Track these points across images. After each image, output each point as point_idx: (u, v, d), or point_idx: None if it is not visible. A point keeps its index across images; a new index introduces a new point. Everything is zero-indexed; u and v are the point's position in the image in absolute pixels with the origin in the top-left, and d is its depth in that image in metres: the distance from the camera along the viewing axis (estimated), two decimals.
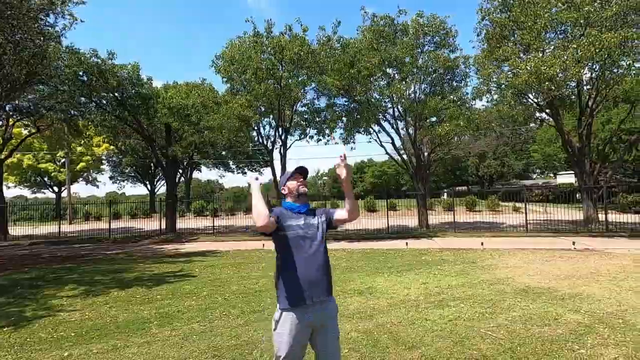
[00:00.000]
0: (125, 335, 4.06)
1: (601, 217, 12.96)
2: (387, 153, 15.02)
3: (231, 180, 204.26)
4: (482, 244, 10.06)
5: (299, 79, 12.96)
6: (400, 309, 4.74)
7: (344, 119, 12.95)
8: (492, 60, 13.29)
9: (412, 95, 14.64)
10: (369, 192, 43.27)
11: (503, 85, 12.22)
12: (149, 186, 40.29)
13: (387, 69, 13.31)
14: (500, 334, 3.80)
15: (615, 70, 10.99)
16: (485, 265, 7.46)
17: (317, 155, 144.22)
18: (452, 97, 14.36)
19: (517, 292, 5.34)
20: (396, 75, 13.96)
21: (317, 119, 13.36)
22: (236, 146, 22.62)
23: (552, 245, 9.87)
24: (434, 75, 15.07)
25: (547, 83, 10.86)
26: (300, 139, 15.59)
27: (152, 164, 37.75)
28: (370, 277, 6.62)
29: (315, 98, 14.09)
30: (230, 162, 35.92)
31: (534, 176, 58.31)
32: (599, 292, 5.25)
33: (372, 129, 14.17)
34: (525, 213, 13.42)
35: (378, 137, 14.71)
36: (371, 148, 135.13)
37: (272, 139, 15.14)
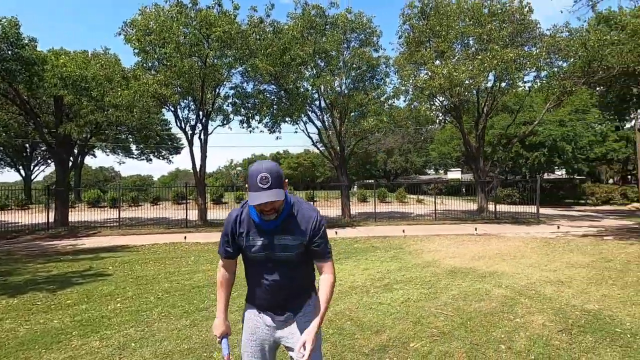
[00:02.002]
0: (36, 352, 3.24)
1: (490, 207, 15.32)
2: (313, 144, 15.13)
3: (131, 167, 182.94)
4: (403, 231, 10.92)
5: (226, 60, 12.08)
6: (352, 295, 4.80)
7: (275, 106, 12.58)
8: (411, 62, 14.43)
9: (338, 88, 15.00)
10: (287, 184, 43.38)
11: (420, 87, 13.32)
12: (22, 172, 33.38)
13: (318, 60, 13.36)
14: (449, 311, 4.12)
15: (509, 82, 13.01)
16: (412, 250, 8.09)
17: (242, 142, 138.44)
18: (374, 94, 15.17)
19: (447, 273, 5.90)
20: (325, 67, 14.11)
21: (248, 104, 12.68)
22: (148, 128, 20.13)
23: (459, 231, 11.26)
24: (357, 72, 15.69)
25: (457, 88, 12.24)
26: (222, 125, 14.65)
27: (26, 146, 31.31)
28: None
29: (243, 82, 13.38)
30: (133, 147, 31.95)
31: (430, 172, 65.98)
32: (509, 269, 6.14)
33: (300, 119, 14.11)
34: (435, 204, 15.04)
35: (305, 128, 14.76)
36: (288, 139, 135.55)
37: (193, 123, 13.90)
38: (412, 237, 10.03)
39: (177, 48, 10.84)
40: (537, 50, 12.83)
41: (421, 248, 8.33)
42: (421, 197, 28.48)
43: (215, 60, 12.11)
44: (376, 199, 26.85)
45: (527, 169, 26.45)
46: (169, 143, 32.76)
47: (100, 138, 24.12)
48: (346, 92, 15.22)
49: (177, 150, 34.01)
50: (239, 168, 73.01)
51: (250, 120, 13.17)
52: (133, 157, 34.00)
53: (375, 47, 15.43)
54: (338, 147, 15.23)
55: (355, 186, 41.61)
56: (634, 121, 27.07)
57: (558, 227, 11.75)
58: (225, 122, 14.56)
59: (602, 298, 4.54)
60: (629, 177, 38.41)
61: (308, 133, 15.45)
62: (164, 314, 4.18)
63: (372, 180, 47.20)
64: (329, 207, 18.68)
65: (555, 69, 14.61)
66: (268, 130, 14.32)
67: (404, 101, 17.86)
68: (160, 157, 33.76)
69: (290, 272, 1.66)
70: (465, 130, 16.10)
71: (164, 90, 11.76)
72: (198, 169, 14.05)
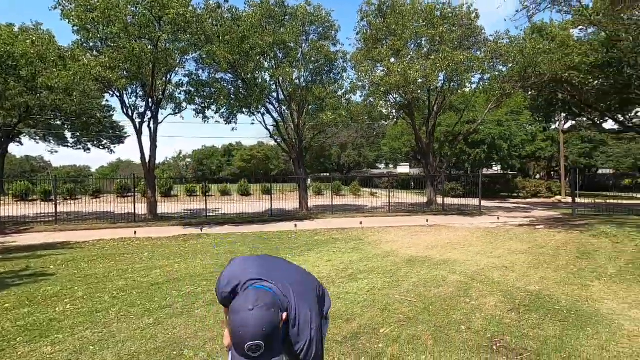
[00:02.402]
0: None
1: (439, 200, 16.33)
2: (271, 136, 14.92)
3: (65, 157, 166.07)
4: (361, 223, 11.26)
5: (180, 45, 11.40)
6: None
7: (232, 96, 12.14)
8: (369, 59, 14.76)
9: (297, 81, 14.92)
10: (239, 176, 42.32)
11: (377, 83, 13.70)
12: None
13: (277, 51, 13.15)
14: (412, 297, 4.36)
15: (458, 83, 13.89)
16: (370, 241, 8.39)
17: (191, 133, 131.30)
18: (332, 88, 15.32)
19: (406, 262, 6.21)
20: (283, 59, 13.93)
21: (203, 93, 12.07)
22: (88, 114, 18.35)
23: (412, 223, 11.87)
24: (316, 65, 15.72)
25: (412, 86, 12.78)
26: (174, 114, 13.85)
27: None
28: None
29: (198, 70, 12.72)
30: (69, 135, 29.03)
31: (381, 166, 68.42)
32: (460, 257, 6.62)
33: (258, 110, 13.82)
34: (389, 197, 15.66)
35: (263, 120, 14.50)
36: (241, 131, 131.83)
37: (142, 110, 12.97)
38: (370, 229, 10.38)
39: (125, 29, 10.00)
40: (483, 55, 13.82)
41: (379, 239, 8.66)
42: (374, 190, 29.51)
43: (168, 45, 11.39)
44: (327, 191, 27.48)
45: (470, 164, 28.56)
46: (111, 132, 30.28)
47: (29, 124, 21.58)
48: (304, 84, 15.20)
49: (119, 139, 31.58)
50: (189, 160, 69.77)
51: (206, 110, 12.62)
52: (68, 146, 30.89)
53: (333, 42, 15.54)
54: (295, 140, 15.20)
55: (310, 179, 41.94)
56: (558, 123, 30.41)
57: (498, 218, 12.89)
58: (177, 111, 13.80)
59: (541, 280, 5.09)
60: (552, 173, 43.16)
61: (266, 125, 15.23)
62: (122, 314, 3.92)
63: (327, 174, 47.96)
64: (284, 200, 18.65)
65: (497, 73, 15.86)
66: (224, 120, 13.85)
67: (360, 96, 18.29)
68: (101, 147, 31.11)
69: None
70: (417, 127, 16.88)
71: (108, 74, 10.81)
72: (147, 160, 13.20)
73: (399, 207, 16.30)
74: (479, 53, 14.47)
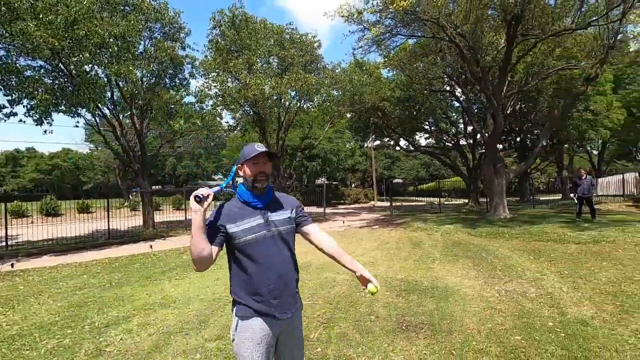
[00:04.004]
0: None
1: None
2: (106, 143, 12.35)
3: None
4: None
5: None
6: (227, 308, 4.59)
7: (58, 92, 9.38)
8: (223, 69, 14.52)
9: (140, 82, 13.14)
10: (38, 191, 32.73)
11: (233, 96, 13.63)
12: None
13: (118, 45, 11.17)
14: (319, 301, 4.71)
15: (308, 102, 15.39)
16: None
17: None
18: (181, 93, 14.24)
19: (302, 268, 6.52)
20: (124, 54, 12.01)
21: (11, 82, 8.82)
22: None
23: None
24: (160, 66, 14.28)
25: (268, 101, 13.37)
26: None
27: None
28: (152, 287, 5.66)
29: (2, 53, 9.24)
30: None
31: (217, 177, 66.66)
32: (356, 250, 7.43)
33: (92, 111, 11.26)
34: None
35: (96, 122, 11.88)
36: (32, 132, 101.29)
37: None
38: None
39: None
40: (327, 80, 15.86)
41: None
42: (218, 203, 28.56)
43: None
44: (166, 206, 24.91)
45: (307, 175, 31.65)
46: None
47: None
48: (147, 87, 13.53)
49: None
50: None
51: (14, 105, 9.38)
52: None
53: (182, 45, 14.52)
54: (137, 149, 13.24)
55: (139, 192, 36.70)
56: (370, 142, 37.66)
57: (343, 222, 14.91)
58: None
59: (401, 269, 6.37)
60: (366, 182, 52.82)
61: (99, 128, 12.58)
62: None
63: (160, 186, 43.00)
64: (113, 218, 15.32)
65: (333, 97, 18.45)
66: (35, 121, 10.66)
67: (209, 106, 17.64)
68: None
69: (290, 248, 1.82)
70: (267, 141, 17.61)
71: None
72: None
73: None
74: (322, 78, 16.49)
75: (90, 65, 10.41)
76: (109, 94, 12.82)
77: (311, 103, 15.98)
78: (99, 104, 11.51)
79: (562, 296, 4.51)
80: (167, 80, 14.82)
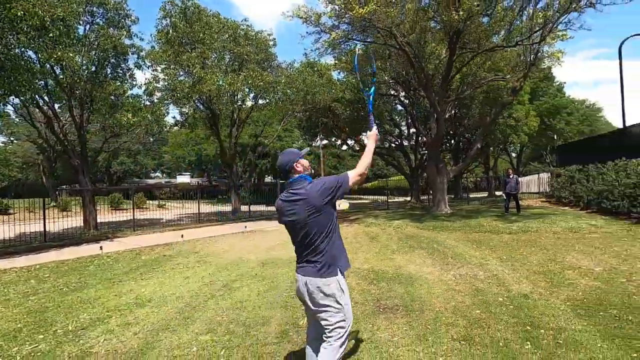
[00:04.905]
0: None
1: (243, 207, 17.26)
2: (39, 137, 11.02)
3: None
4: (182, 236, 10.48)
5: None
6: (208, 301, 4.62)
7: None
8: (174, 62, 13.91)
9: (80, 70, 12.08)
10: None
11: (186, 90, 13.13)
12: None
13: (57, 28, 10.12)
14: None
15: (266, 99, 15.32)
16: (210, 252, 8.17)
17: None
18: (128, 85, 13.36)
19: (263, 265, 6.66)
20: (63, 39, 10.94)
21: None
22: None
23: (233, 230, 12.13)
24: (101, 54, 13.24)
25: (225, 97, 13.13)
26: None
27: None
28: (119, 288, 5.42)
29: None
30: None
31: (154, 175, 62.60)
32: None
33: (27, 100, 10.03)
34: (198, 206, 15.06)
35: (28, 112, 10.59)
36: None
37: None
38: (197, 241, 9.92)
39: None
40: (284, 79, 15.96)
41: (217, 249, 8.55)
42: (162, 202, 27.05)
43: None
44: (103, 206, 23.01)
45: (257, 174, 31.31)
46: None
47: None
48: (87, 76, 12.46)
49: None
50: None
51: None
52: None
53: (128, 33, 13.59)
54: (77, 143, 12.14)
55: (64, 191, 33.02)
56: (319, 141, 38.37)
57: None
58: None
59: (366, 260, 6.85)
60: None
61: (31, 119, 11.24)
62: None
63: (103, 184, 39.24)
64: (29, 222, 13.15)
65: (289, 95, 18.59)
66: None
67: (157, 99, 16.75)
68: None
69: None
70: (221, 137, 17.20)
71: None
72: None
73: (206, 218, 15.98)
74: (278, 77, 16.55)
75: (20, 49, 9.32)
76: (43, 82, 11.58)
77: (267, 101, 15.93)
78: (35, 94, 10.37)
79: (505, 277, 5.31)
80: (108, 70, 13.81)
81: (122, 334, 3.71)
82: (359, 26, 12.46)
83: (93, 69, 13.13)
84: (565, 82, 39.69)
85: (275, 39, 16.36)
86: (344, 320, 2.26)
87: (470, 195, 27.53)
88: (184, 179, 49.68)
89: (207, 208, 19.83)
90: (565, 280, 5.02)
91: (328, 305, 2.23)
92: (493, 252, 7.10)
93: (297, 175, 2.29)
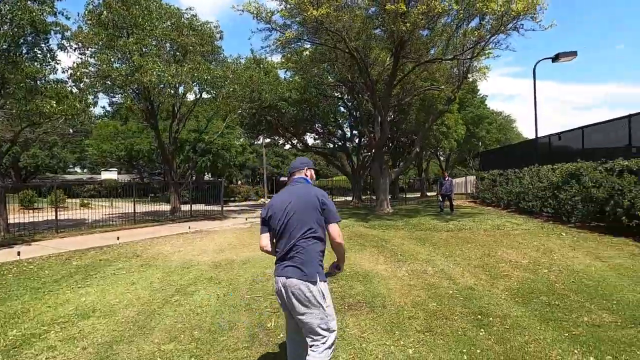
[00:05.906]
0: None
1: (183, 207, 16.27)
2: None
3: None
4: (118, 238, 9.54)
5: None
6: (166, 307, 4.30)
7: None
8: (108, 46, 12.64)
9: None
10: None
11: (121, 78, 11.99)
12: None
13: None
14: (266, 294, 4.86)
15: (211, 93, 14.58)
16: (153, 255, 7.59)
17: None
18: (49, 68, 11.78)
19: (215, 267, 6.40)
20: None
21: None
22: None
23: (174, 231, 11.37)
24: (15, 30, 11.53)
25: (167, 89, 12.28)
26: None
27: None
28: (51, 298, 4.79)
29: None
30: None
31: (75, 170, 56.13)
32: (254, 254, 7.53)
33: None
34: (134, 206, 13.81)
35: None
36: None
37: None
38: (136, 243, 9.11)
39: None
40: (231, 74, 15.38)
41: (160, 251, 7.97)
42: (86, 200, 24.28)
43: None
44: (14, 204, 19.93)
45: (195, 171, 29.70)
46: None
47: None
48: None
49: None
50: None
51: None
52: None
53: (52, 9, 11.98)
54: None
55: None
56: (262, 140, 37.72)
57: (246, 219, 14.77)
58: None
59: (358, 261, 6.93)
60: (254, 180, 52.48)
61: None
62: None
63: (8, 180, 33.69)
64: None
65: (232, 90, 17.98)
66: None
67: (83, 86, 15.07)
68: None
69: None
70: (159, 132, 16.02)
71: None
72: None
73: (141, 218, 14.74)
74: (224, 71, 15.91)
75: None
76: None
77: (213, 96, 15.23)
78: None
79: (450, 271, 5.80)
80: (24, 49, 12.05)
81: (68, 350, 3.30)
82: (311, 27, 12.55)
83: (5, 46, 11.37)
84: (487, 95, 44.40)
85: (222, 31, 15.74)
86: (329, 322, 2.29)
87: (406, 196, 29.36)
88: (110, 175, 45.18)
89: (140, 207, 18.33)
90: (501, 272, 5.65)
91: (312, 308, 2.25)
92: (436, 248, 7.69)
93: (302, 177, 2.55)
